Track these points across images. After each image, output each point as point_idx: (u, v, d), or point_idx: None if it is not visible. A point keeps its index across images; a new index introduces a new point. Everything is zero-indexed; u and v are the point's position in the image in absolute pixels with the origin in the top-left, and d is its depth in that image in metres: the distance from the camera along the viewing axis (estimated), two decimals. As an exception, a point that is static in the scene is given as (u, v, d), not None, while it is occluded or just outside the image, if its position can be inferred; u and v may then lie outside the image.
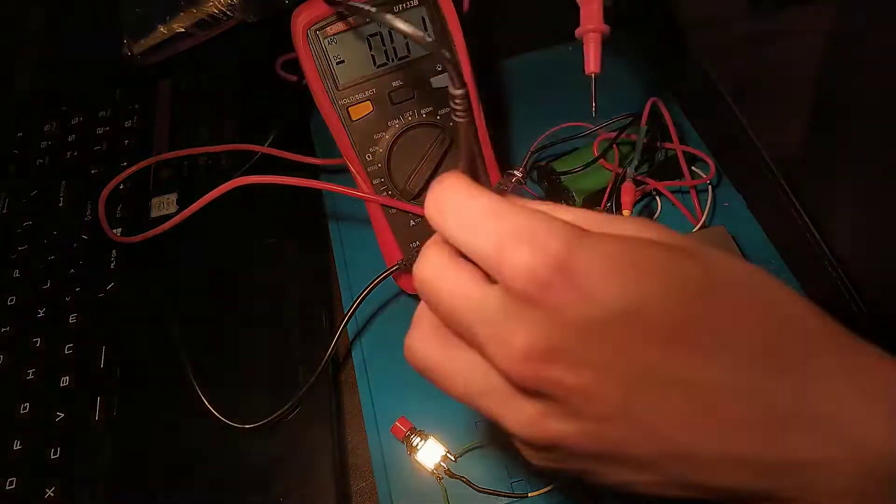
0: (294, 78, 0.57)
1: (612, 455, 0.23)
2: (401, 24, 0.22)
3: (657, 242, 0.23)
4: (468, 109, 0.24)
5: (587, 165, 0.46)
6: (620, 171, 0.47)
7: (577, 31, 0.36)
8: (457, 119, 0.24)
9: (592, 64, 0.36)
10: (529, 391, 0.22)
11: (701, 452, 0.22)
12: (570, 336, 0.21)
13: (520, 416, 0.23)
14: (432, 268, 0.24)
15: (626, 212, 0.43)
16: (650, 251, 0.22)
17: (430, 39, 0.22)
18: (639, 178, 0.48)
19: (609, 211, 0.46)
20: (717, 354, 0.21)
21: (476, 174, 0.25)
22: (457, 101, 0.23)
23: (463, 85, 0.23)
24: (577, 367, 0.21)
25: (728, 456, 0.22)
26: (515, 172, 0.40)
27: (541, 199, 0.51)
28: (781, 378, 0.21)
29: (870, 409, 0.21)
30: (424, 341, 0.25)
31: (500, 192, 0.33)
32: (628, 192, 0.45)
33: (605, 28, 0.35)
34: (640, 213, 0.49)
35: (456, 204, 0.24)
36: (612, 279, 0.21)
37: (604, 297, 0.21)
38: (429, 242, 0.26)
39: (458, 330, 0.24)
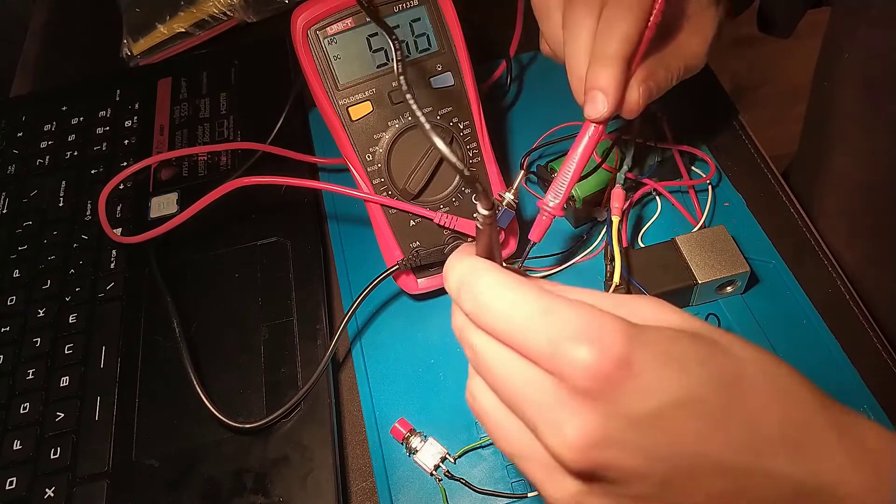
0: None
1: None
2: (441, 145, 0.24)
3: (688, 333, 0.25)
4: (492, 224, 0.27)
5: (588, 174, 0.46)
6: (618, 171, 0.47)
7: (539, 202, 0.39)
8: (480, 227, 0.27)
9: (536, 235, 0.40)
10: (575, 472, 0.24)
11: None
12: (624, 424, 0.23)
13: (561, 491, 0.25)
14: (480, 341, 0.26)
15: (615, 218, 0.44)
16: (688, 346, 0.24)
17: (463, 168, 0.24)
18: (635, 178, 0.48)
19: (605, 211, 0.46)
20: (749, 442, 0.24)
21: (492, 256, 0.28)
22: (483, 217, 0.26)
23: (492, 206, 0.26)
24: (628, 452, 0.23)
25: None
26: (506, 196, 0.40)
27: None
28: (799, 460, 0.24)
29: (864, 477, 0.24)
30: (484, 393, 0.27)
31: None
32: (618, 198, 0.45)
33: (560, 214, 0.39)
34: (640, 215, 0.50)
35: (502, 305, 0.25)
36: (664, 374, 0.23)
37: (657, 391, 0.23)
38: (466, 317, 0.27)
39: (509, 404, 0.26)
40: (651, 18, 0.36)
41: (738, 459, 0.23)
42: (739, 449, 0.23)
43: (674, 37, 0.40)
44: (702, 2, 0.41)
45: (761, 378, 0.24)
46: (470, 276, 0.26)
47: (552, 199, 0.38)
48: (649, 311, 0.26)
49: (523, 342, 0.24)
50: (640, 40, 0.36)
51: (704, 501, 0.24)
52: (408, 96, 0.26)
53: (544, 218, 0.39)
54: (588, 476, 0.24)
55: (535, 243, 0.40)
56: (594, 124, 0.38)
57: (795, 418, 0.24)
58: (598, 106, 0.36)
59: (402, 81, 0.29)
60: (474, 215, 0.27)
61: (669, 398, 0.23)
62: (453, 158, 0.24)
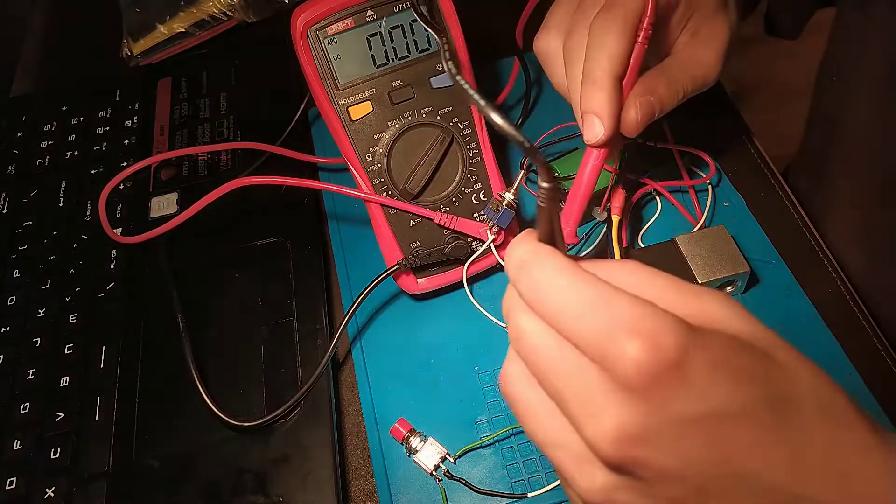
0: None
1: None
2: (497, 119, 0.23)
3: (747, 346, 0.24)
4: (553, 199, 0.25)
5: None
6: (620, 172, 0.47)
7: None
8: (541, 205, 0.25)
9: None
10: (609, 465, 0.24)
11: None
12: (668, 426, 0.23)
13: (591, 482, 0.24)
14: (529, 324, 0.25)
15: (615, 218, 0.44)
16: (744, 359, 0.24)
17: (525, 141, 0.23)
18: (636, 178, 0.48)
19: (605, 213, 0.46)
20: (791, 467, 0.23)
21: (553, 241, 0.26)
22: (544, 190, 0.25)
23: (552, 179, 0.24)
24: (667, 453, 0.23)
25: None
26: (506, 196, 0.40)
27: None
28: (841, 492, 0.23)
29: None
30: (519, 376, 0.26)
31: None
32: (618, 198, 0.45)
33: (575, 241, 0.38)
34: (640, 215, 0.50)
35: (560, 291, 0.24)
36: (715, 385, 0.23)
37: (708, 397, 0.23)
38: (517, 294, 0.26)
39: (546, 388, 0.25)
40: (641, 34, 0.35)
41: (779, 481, 0.23)
42: (782, 471, 0.23)
43: (677, 50, 0.39)
44: (707, 11, 0.40)
45: (813, 405, 0.24)
46: (531, 259, 0.25)
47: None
48: (717, 308, 0.25)
49: (575, 330, 0.23)
50: (629, 57, 0.35)
51: None
52: (458, 78, 0.24)
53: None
54: (621, 470, 0.24)
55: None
56: (595, 149, 0.37)
57: (842, 450, 0.24)
58: (595, 130, 0.35)
59: (450, 66, 0.27)
60: (537, 189, 0.25)
61: (717, 408, 0.23)
62: (513, 131, 0.22)
